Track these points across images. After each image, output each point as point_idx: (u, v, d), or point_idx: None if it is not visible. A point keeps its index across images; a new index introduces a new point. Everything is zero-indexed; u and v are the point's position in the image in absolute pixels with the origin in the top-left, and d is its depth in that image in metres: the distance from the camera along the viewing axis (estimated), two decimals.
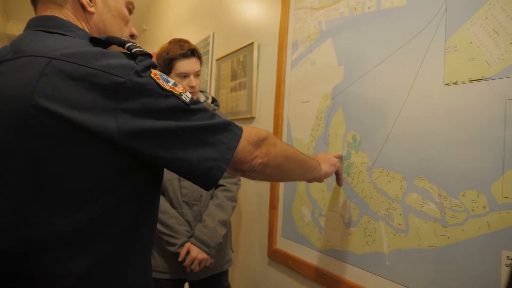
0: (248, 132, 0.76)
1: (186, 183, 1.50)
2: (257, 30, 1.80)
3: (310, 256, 1.32)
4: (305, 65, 1.42)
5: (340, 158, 1.20)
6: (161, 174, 0.78)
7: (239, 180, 1.64)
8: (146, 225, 0.75)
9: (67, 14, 0.77)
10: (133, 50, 0.67)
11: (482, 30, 0.84)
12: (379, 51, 1.10)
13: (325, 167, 1.03)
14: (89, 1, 0.79)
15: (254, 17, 1.85)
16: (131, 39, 0.90)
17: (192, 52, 1.52)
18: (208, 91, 2.31)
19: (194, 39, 2.59)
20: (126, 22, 0.87)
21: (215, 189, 1.58)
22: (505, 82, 0.79)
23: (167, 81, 0.67)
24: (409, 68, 1.00)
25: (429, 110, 0.94)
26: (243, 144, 0.73)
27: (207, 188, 0.70)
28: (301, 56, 1.44)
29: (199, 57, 1.55)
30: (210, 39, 2.31)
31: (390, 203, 1.02)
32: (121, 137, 0.62)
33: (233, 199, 1.57)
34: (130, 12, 0.90)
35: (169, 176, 1.50)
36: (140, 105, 0.62)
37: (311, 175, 0.98)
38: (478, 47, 0.84)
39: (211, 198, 1.56)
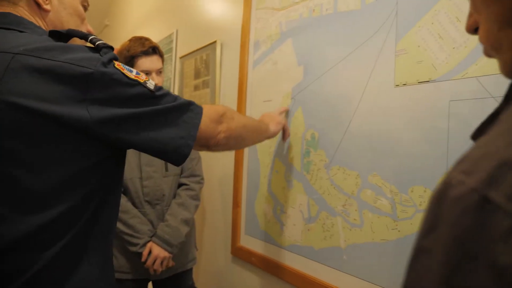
0: (208, 109, 0.82)
1: (148, 182, 1.49)
2: (220, 28, 1.80)
3: (272, 252, 1.35)
4: (267, 64, 1.44)
5: (286, 111, 1.25)
6: (124, 160, 0.81)
7: (202, 179, 1.65)
8: (106, 222, 0.77)
9: (21, 11, 0.77)
10: (97, 43, 0.71)
11: (429, 34, 0.89)
12: (336, 52, 1.13)
13: (272, 127, 1.13)
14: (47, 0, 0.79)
15: (217, 16, 1.85)
16: None
17: (154, 50, 1.50)
18: (172, 89, 2.29)
19: (157, 36, 2.56)
20: (82, 19, 0.89)
21: (178, 188, 1.58)
22: (448, 84, 0.84)
23: (131, 71, 0.71)
24: (363, 69, 1.04)
25: (381, 109, 0.98)
26: (206, 121, 0.79)
27: (177, 164, 0.76)
28: (263, 55, 1.46)
29: (160, 55, 1.54)
30: (174, 36, 2.29)
31: (346, 199, 1.06)
32: (95, 125, 0.65)
33: (196, 198, 1.57)
34: (85, 9, 0.91)
35: (130, 175, 1.48)
36: (109, 94, 0.66)
37: (264, 137, 1.10)
38: (425, 50, 0.89)
39: (174, 197, 1.56)
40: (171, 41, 2.31)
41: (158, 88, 0.73)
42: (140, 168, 1.50)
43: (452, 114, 0.83)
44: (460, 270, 0.19)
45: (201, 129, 0.78)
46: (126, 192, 1.50)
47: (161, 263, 1.43)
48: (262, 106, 1.45)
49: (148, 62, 1.48)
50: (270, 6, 1.43)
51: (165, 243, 1.43)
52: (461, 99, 0.81)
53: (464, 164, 0.21)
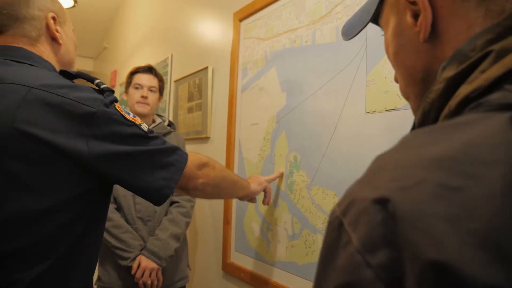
0: (192, 156, 0.90)
1: (140, 199, 1.57)
2: (212, 55, 1.90)
3: (260, 268, 1.41)
4: (254, 89, 1.54)
5: (281, 175, 1.32)
6: (110, 194, 0.89)
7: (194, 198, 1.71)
8: (91, 243, 0.83)
9: (39, 48, 0.86)
10: (101, 86, 0.81)
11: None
12: (315, 80, 1.23)
13: (253, 186, 1.20)
14: (59, 34, 0.90)
15: (209, 43, 1.96)
16: None
17: (149, 69, 1.74)
18: (167, 111, 2.39)
19: (154, 59, 2.67)
20: (75, 47, 0.99)
21: (170, 206, 1.65)
22: (410, 112, 0.93)
23: (128, 113, 0.80)
24: (339, 97, 1.14)
25: (354, 134, 1.07)
26: (189, 166, 0.87)
27: (158, 204, 0.82)
28: (250, 81, 1.56)
29: (156, 74, 1.74)
30: (169, 61, 2.40)
31: (325, 217, 1.14)
32: (91, 159, 0.72)
33: (187, 215, 1.64)
34: None
35: (123, 192, 1.56)
36: (108, 132, 0.74)
37: (242, 193, 1.16)
38: (391, 81, 0.99)
39: (166, 214, 1.63)
40: (166, 65, 2.42)
41: (150, 130, 0.82)
42: None
43: None
44: (325, 270, 0.28)
45: (184, 172, 0.85)
46: (119, 208, 1.58)
47: (150, 275, 1.49)
48: (250, 129, 1.54)
49: (143, 78, 1.71)
50: (256, 35, 1.54)
51: (153, 255, 1.49)
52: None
53: (340, 198, 0.31)
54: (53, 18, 0.88)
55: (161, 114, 1.94)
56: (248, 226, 1.50)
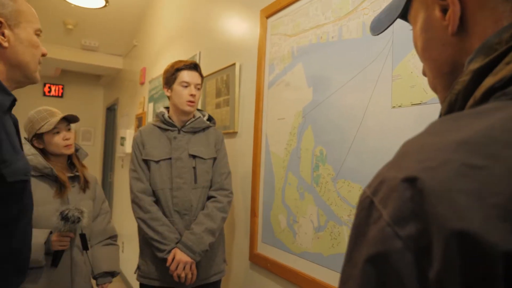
0: None
1: (177, 193, 1.60)
2: (239, 51, 1.95)
3: (286, 259, 1.46)
4: (280, 85, 1.57)
5: None
6: None
7: (231, 193, 1.71)
8: None
9: None
10: None
11: (420, 62, 0.99)
12: (341, 76, 1.25)
13: None
14: (2, 38, 0.95)
15: (236, 40, 2.00)
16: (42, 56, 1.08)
17: (195, 66, 1.70)
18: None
19: (182, 56, 2.74)
20: (36, 47, 1.04)
21: (207, 200, 1.68)
22: (437, 106, 0.94)
23: None
24: (365, 92, 1.16)
25: (380, 128, 1.09)
26: None
27: None
28: (276, 77, 1.59)
29: (201, 74, 1.73)
30: (197, 58, 2.46)
31: (351, 210, 1.17)
32: None
33: (223, 210, 1.65)
34: (39, 36, 1.07)
35: (161, 186, 1.61)
36: None
37: None
38: (417, 76, 1.00)
39: (203, 208, 1.65)
40: None
41: None
42: (171, 179, 1.63)
43: None
44: (356, 245, 0.31)
45: None
46: (158, 202, 1.63)
47: (184, 268, 1.55)
48: (276, 124, 1.58)
49: (189, 76, 1.67)
50: (283, 32, 1.57)
51: (188, 249, 1.54)
52: None
53: (370, 181, 0.34)
54: None
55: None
56: (275, 218, 1.54)
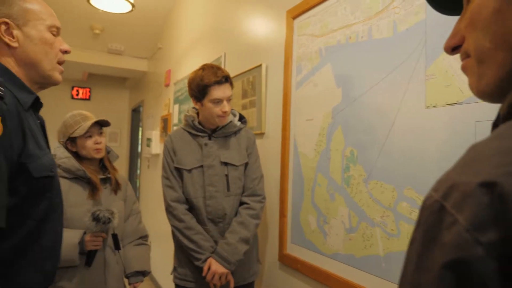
0: None
1: (211, 202, 1.61)
2: (265, 53, 1.96)
3: (316, 260, 1.45)
4: (308, 86, 1.57)
5: None
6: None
7: (264, 198, 1.69)
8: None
9: None
10: None
11: (455, 60, 0.97)
12: (371, 76, 1.24)
13: None
14: (11, 38, 0.97)
15: (262, 41, 2.01)
16: (65, 54, 1.08)
17: (226, 79, 1.60)
18: None
19: (207, 58, 2.77)
20: (50, 45, 1.04)
21: (240, 206, 1.67)
22: (474, 106, 0.92)
23: None
24: (396, 92, 1.14)
25: (414, 128, 1.08)
26: None
27: None
28: (304, 78, 1.59)
29: (231, 82, 1.64)
30: (222, 59, 2.49)
31: (384, 211, 1.16)
32: None
33: (256, 217, 1.64)
34: (56, 33, 1.06)
35: (195, 195, 1.62)
36: None
37: None
38: (453, 75, 0.98)
39: (236, 215, 1.65)
40: (220, 64, 2.51)
41: None
42: (203, 188, 1.62)
43: (479, 133, 0.91)
44: (427, 250, 0.31)
45: None
46: (192, 210, 1.64)
47: (220, 278, 1.55)
48: (305, 125, 1.58)
49: (221, 92, 1.58)
50: (311, 32, 1.57)
51: (223, 260, 1.54)
52: (486, 120, 0.89)
53: (435, 185, 0.33)
54: (5, 24, 0.96)
55: None
56: (304, 219, 1.54)
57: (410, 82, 1.10)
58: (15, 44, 0.97)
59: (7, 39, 0.96)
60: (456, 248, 0.28)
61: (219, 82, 1.57)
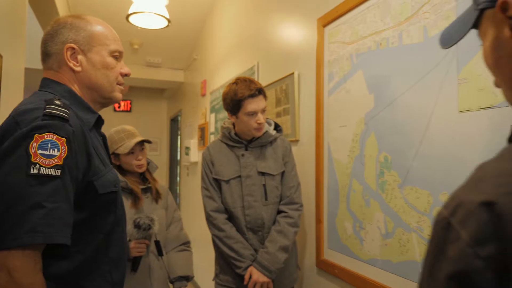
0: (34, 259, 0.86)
1: (249, 211, 1.65)
2: (297, 61, 1.99)
3: (353, 265, 1.46)
4: (341, 93, 1.59)
5: None
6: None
7: (301, 206, 1.70)
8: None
9: (60, 76, 1.04)
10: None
11: None
12: (403, 81, 1.24)
13: None
14: (75, 63, 1.04)
15: (293, 49, 2.05)
16: (124, 77, 1.13)
17: (259, 91, 1.64)
18: None
19: (241, 68, 2.85)
20: (111, 69, 1.09)
21: (278, 214, 1.70)
22: (509, 109, 0.91)
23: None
24: (429, 97, 1.14)
25: (447, 134, 1.07)
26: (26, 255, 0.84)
27: None
28: (336, 85, 1.61)
29: (264, 94, 1.67)
30: (255, 68, 2.55)
31: (420, 217, 1.16)
32: None
33: (295, 225, 1.66)
34: (117, 58, 1.12)
35: (234, 205, 1.67)
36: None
37: None
38: (486, 79, 0.97)
39: (274, 223, 1.68)
40: (253, 73, 2.57)
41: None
42: (242, 197, 1.67)
43: None
44: (437, 261, 0.34)
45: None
46: (231, 219, 1.70)
47: (261, 286, 1.59)
48: (338, 131, 1.59)
49: (255, 104, 1.62)
50: (341, 40, 1.59)
51: (264, 268, 1.58)
52: None
53: (446, 202, 0.36)
54: (72, 49, 1.02)
55: None
56: (341, 225, 1.55)
57: (442, 87, 1.10)
58: (78, 69, 1.04)
59: (72, 63, 1.03)
60: (459, 261, 0.31)
61: (252, 95, 1.62)
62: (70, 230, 0.89)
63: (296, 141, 1.97)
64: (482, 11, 0.50)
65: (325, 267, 1.66)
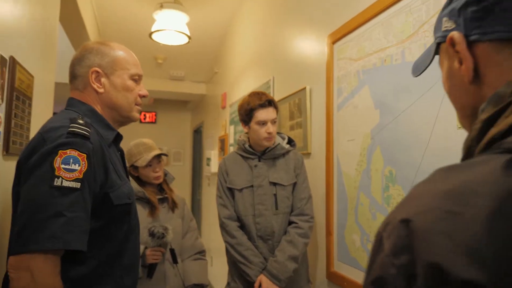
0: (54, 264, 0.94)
1: (260, 219, 1.71)
2: (309, 76, 2.05)
3: (361, 278, 1.48)
4: (349, 108, 1.62)
5: None
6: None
7: (312, 218, 1.74)
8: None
9: (84, 96, 1.15)
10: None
11: None
12: (406, 97, 1.27)
13: None
14: (99, 85, 1.14)
15: (306, 65, 2.10)
16: (142, 99, 1.23)
17: (269, 103, 1.75)
18: None
19: (258, 82, 2.92)
20: (130, 90, 1.19)
21: (289, 225, 1.75)
22: None
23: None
24: (430, 113, 1.17)
25: (447, 150, 1.10)
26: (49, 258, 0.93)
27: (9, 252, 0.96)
28: (345, 100, 1.65)
29: (275, 106, 1.77)
30: (271, 83, 2.61)
31: None
32: None
33: (305, 236, 1.70)
34: (137, 81, 1.22)
35: (245, 213, 1.74)
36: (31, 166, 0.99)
37: None
38: None
39: (284, 233, 1.73)
40: (269, 87, 2.64)
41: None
42: (253, 206, 1.74)
43: None
44: (369, 269, 0.39)
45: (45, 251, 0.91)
46: (243, 227, 1.76)
47: None
48: (347, 145, 1.63)
49: (265, 114, 1.73)
50: (349, 56, 1.63)
51: (273, 277, 1.62)
52: None
53: (385, 218, 0.41)
54: (96, 72, 1.13)
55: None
56: (349, 238, 1.58)
57: (442, 103, 1.12)
58: (101, 90, 1.15)
59: (95, 85, 1.14)
60: (380, 268, 0.36)
61: (263, 105, 1.73)
62: (87, 237, 0.97)
63: (308, 154, 2.01)
64: (438, 45, 0.55)
65: (335, 279, 1.68)
